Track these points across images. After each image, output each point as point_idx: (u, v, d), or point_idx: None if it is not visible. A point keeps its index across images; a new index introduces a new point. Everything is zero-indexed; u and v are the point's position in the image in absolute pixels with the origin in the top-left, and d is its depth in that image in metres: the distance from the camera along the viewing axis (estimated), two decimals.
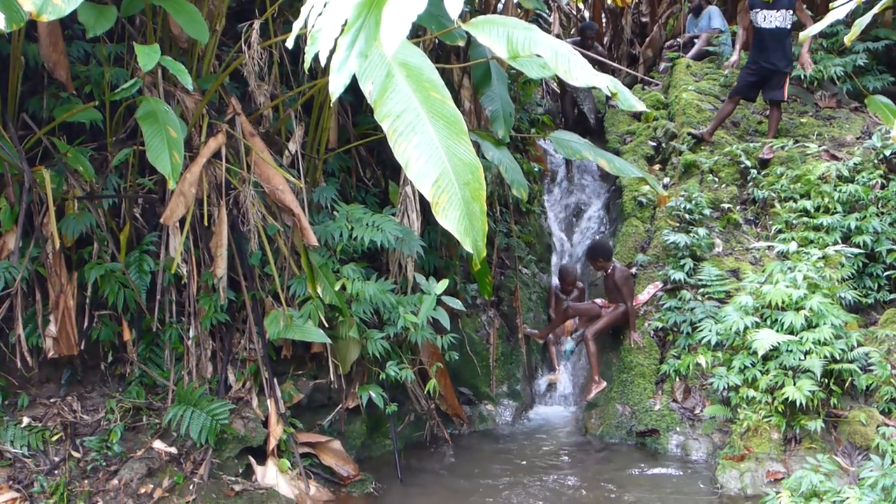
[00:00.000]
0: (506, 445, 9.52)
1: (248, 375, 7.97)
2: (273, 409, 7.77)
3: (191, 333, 7.78)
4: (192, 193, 7.19)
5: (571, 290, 10.86)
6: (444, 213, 5.06)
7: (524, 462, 8.92)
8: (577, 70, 5.82)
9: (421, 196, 8.39)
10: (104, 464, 7.14)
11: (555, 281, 11.54)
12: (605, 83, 6.37)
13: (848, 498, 6.84)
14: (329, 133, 8.73)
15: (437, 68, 5.53)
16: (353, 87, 5.25)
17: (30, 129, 7.44)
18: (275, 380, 7.93)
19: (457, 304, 8.52)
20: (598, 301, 10.35)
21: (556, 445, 9.51)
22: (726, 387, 8.73)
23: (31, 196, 7.04)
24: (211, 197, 7.69)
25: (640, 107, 7.25)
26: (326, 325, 7.84)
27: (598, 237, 12.08)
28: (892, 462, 7.23)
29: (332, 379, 8.18)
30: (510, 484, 8.25)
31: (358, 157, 9.56)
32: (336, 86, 4.35)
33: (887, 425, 7.90)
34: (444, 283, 8.30)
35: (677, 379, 9.53)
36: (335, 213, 8.34)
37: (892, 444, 7.54)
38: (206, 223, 7.63)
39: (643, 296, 10.21)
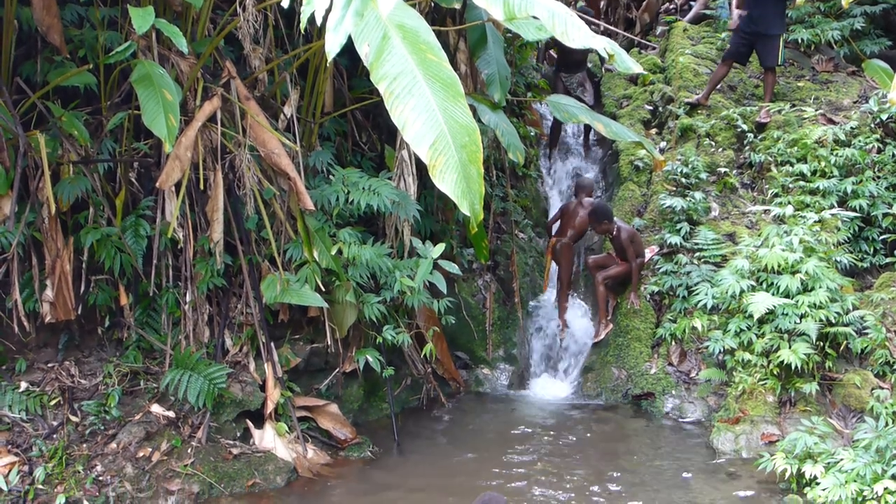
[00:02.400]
0: (502, 409, 9.56)
1: (245, 340, 7.98)
2: (270, 373, 7.78)
3: (188, 298, 7.78)
4: (188, 157, 7.16)
5: (577, 210, 10.79)
6: (441, 176, 5.06)
7: (520, 425, 8.96)
8: (575, 31, 5.80)
9: (417, 160, 8.40)
10: (102, 428, 7.17)
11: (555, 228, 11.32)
12: (603, 45, 6.35)
13: (842, 459, 6.91)
14: (325, 97, 8.69)
15: (433, 30, 5.50)
16: (349, 50, 5.24)
17: (24, 94, 7.40)
18: (272, 344, 7.94)
19: (453, 267, 8.53)
20: (613, 253, 10.36)
21: (552, 409, 9.55)
22: (722, 350, 8.78)
23: (26, 160, 7.02)
24: (206, 161, 7.66)
25: (638, 69, 7.23)
26: (323, 290, 7.84)
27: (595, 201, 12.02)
28: (887, 424, 7.29)
29: (329, 343, 8.20)
30: (506, 447, 8.29)
31: (354, 121, 9.53)
32: (332, 45, 4.34)
33: (882, 388, 7.95)
34: (441, 247, 8.31)
35: (673, 342, 9.57)
36: (331, 177, 8.32)
37: (886, 407, 7.60)
38: (201, 187, 7.61)
39: (646, 255, 10.20)
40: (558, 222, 11.16)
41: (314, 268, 7.79)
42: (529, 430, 8.79)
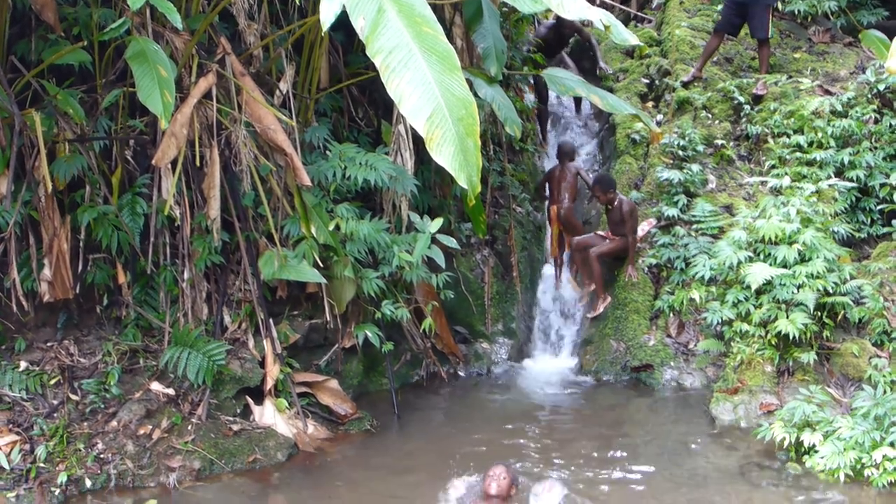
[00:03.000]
0: (502, 382, 9.60)
1: (244, 316, 7.99)
2: (269, 349, 7.79)
3: (185, 275, 7.78)
4: (184, 134, 7.13)
5: (565, 174, 10.99)
6: (439, 149, 5.07)
7: (520, 398, 9.01)
8: (570, 3, 5.79)
9: (414, 135, 8.39)
10: (102, 406, 7.19)
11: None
12: (599, 17, 6.33)
13: (840, 427, 6.95)
14: (320, 72, 8.66)
15: (429, 4, 5.49)
16: (345, 26, 5.22)
17: (18, 72, 7.38)
18: (270, 320, 7.95)
19: (451, 242, 8.53)
20: (600, 233, 10.35)
21: (551, 382, 9.59)
22: (720, 321, 8.80)
23: (21, 139, 6.99)
24: (202, 138, 7.63)
25: (634, 41, 7.23)
26: (321, 265, 7.84)
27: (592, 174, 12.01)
28: (885, 392, 7.33)
29: (328, 319, 8.20)
30: (506, 419, 8.31)
31: (350, 97, 9.49)
32: (327, 15, 4.34)
33: (879, 357, 7.99)
34: (439, 222, 8.30)
35: (671, 314, 9.59)
36: (328, 152, 8.31)
37: (884, 375, 7.65)
38: (198, 164, 7.58)
39: (638, 232, 10.21)
40: (548, 186, 11.38)
41: (312, 243, 7.78)
42: (529, 403, 8.83)
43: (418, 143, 7.93)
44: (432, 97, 5.13)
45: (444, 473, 7.00)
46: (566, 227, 10.98)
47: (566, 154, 11.31)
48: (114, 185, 7.56)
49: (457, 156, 5.09)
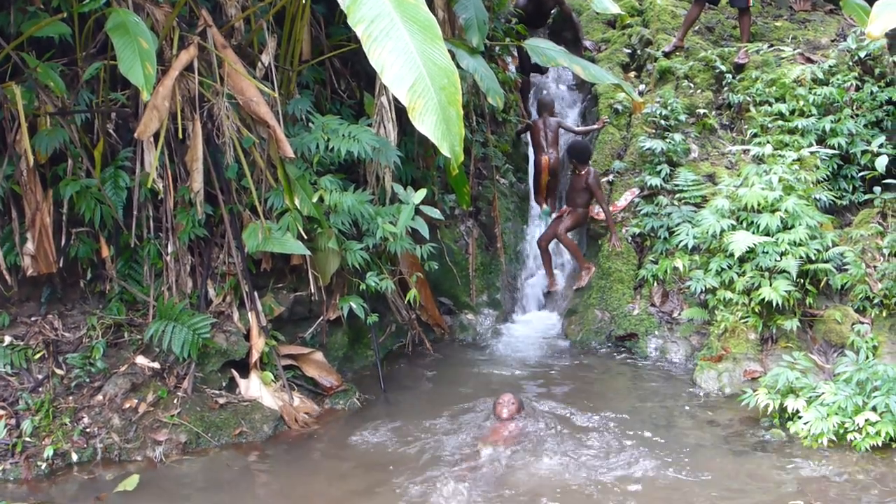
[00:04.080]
0: (487, 354, 9.63)
1: (228, 289, 7.98)
2: (254, 322, 7.79)
3: (169, 249, 7.76)
4: (166, 107, 7.09)
5: (546, 127, 11.12)
6: (421, 118, 5.07)
7: (505, 370, 9.03)
8: None
9: (397, 106, 8.36)
10: (88, 380, 7.18)
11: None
12: None
13: (823, 393, 7.02)
14: (302, 44, 8.60)
15: None
16: None
17: None
18: (255, 293, 7.94)
19: (435, 213, 8.52)
20: (554, 215, 10.51)
21: (537, 353, 9.63)
22: (703, 289, 8.85)
23: (2, 112, 6.96)
24: (185, 110, 7.59)
25: (615, 9, 7.22)
26: (305, 237, 7.81)
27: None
28: (867, 358, 7.40)
29: (313, 291, 8.20)
30: (492, 391, 8.32)
31: (332, 69, 9.45)
32: None
33: (861, 323, 8.06)
34: (423, 193, 8.30)
35: (655, 283, 9.64)
36: (310, 124, 8.27)
37: (866, 341, 7.72)
38: (180, 137, 7.55)
39: (621, 202, 10.26)
40: (530, 139, 11.61)
41: (296, 215, 7.76)
42: (514, 375, 8.86)
43: (401, 114, 7.90)
44: (414, 66, 5.13)
45: (430, 445, 7.04)
46: (553, 177, 11.08)
47: (545, 107, 11.39)
48: (96, 159, 7.52)
49: (439, 125, 5.09)
